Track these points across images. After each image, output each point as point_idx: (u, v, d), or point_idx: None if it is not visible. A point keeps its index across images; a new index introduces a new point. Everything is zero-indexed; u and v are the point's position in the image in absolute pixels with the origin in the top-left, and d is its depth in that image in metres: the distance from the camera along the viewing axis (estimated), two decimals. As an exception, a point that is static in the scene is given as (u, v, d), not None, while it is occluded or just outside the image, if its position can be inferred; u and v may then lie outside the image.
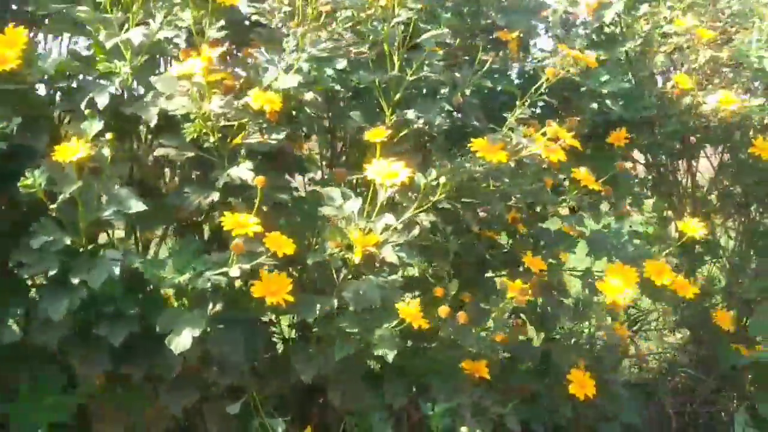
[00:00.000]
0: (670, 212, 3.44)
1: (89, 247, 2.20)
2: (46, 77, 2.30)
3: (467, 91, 2.63)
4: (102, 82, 2.32)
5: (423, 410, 2.31)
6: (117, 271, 2.11)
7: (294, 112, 2.49)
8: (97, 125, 2.17)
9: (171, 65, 2.26)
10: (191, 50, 2.28)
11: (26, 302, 2.23)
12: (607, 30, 3.20)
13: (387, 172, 2.18)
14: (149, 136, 2.47)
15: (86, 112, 2.21)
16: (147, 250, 2.64)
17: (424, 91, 2.71)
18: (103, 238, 2.47)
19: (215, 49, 2.28)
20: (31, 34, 2.47)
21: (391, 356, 2.16)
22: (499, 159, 2.28)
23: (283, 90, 2.28)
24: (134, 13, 2.32)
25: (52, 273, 2.11)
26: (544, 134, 2.36)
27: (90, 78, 2.35)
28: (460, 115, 2.75)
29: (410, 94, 2.58)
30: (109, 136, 2.17)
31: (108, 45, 2.25)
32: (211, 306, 2.17)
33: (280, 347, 2.63)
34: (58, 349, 2.20)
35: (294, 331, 2.61)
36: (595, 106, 2.90)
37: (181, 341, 2.08)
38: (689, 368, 3.38)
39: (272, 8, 2.44)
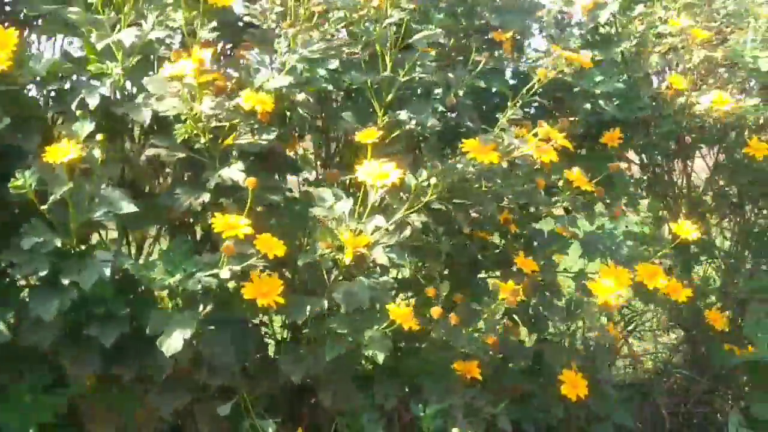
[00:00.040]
0: (665, 212, 3.44)
1: (80, 248, 2.20)
2: (38, 78, 2.29)
3: (460, 92, 2.63)
4: (94, 83, 2.32)
5: (414, 411, 2.30)
6: (108, 272, 2.11)
7: (288, 113, 2.48)
8: (88, 126, 2.17)
9: (164, 66, 2.25)
10: (183, 51, 2.28)
11: (17, 303, 2.22)
12: (602, 30, 3.19)
13: (378, 173, 2.18)
14: (141, 137, 2.46)
15: (78, 113, 2.21)
16: (140, 251, 2.65)
17: (419, 91, 2.71)
18: (96, 238, 2.47)
19: (207, 50, 2.28)
20: (24, 35, 2.47)
21: (381, 357, 2.17)
22: (491, 160, 2.28)
23: (274, 91, 2.28)
24: (126, 14, 2.32)
25: (42, 274, 2.11)
26: (535, 135, 2.35)
27: (83, 79, 2.35)
28: (454, 115, 2.75)
29: (404, 95, 2.58)
30: (100, 137, 2.17)
31: (99, 46, 2.25)
32: (201, 307, 2.17)
33: (272, 348, 2.62)
34: (49, 349, 2.19)
35: (286, 331, 2.60)
36: (588, 106, 2.89)
37: (173, 343, 2.08)
38: (683, 368, 3.38)
39: (264, 9, 2.43)
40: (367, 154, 2.28)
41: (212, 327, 2.23)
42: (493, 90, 2.84)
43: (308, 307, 2.19)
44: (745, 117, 3.00)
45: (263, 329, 2.62)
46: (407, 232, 2.25)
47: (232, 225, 2.11)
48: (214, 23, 2.34)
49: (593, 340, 2.50)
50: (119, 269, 2.20)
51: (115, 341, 2.16)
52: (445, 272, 2.61)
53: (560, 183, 2.68)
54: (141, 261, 2.55)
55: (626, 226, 3.59)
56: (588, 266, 2.79)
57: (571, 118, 2.84)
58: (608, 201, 3.07)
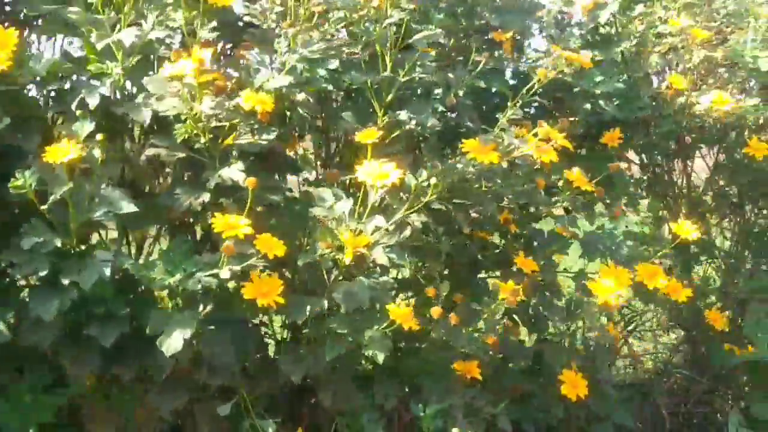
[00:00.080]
0: (665, 212, 3.44)
1: (80, 248, 2.20)
2: (38, 78, 2.29)
3: (460, 92, 2.63)
4: (94, 82, 2.32)
5: (414, 411, 2.30)
6: (107, 272, 2.11)
7: (288, 113, 2.48)
8: (88, 126, 2.17)
9: (164, 66, 2.25)
10: (183, 51, 2.28)
11: (17, 303, 2.22)
12: (602, 30, 3.19)
13: (378, 174, 2.18)
14: (141, 137, 2.46)
15: (78, 113, 2.21)
16: (141, 251, 2.65)
17: (419, 91, 2.71)
18: (96, 238, 2.47)
19: (207, 50, 2.28)
20: (25, 35, 2.47)
21: (381, 357, 2.17)
22: (491, 160, 2.28)
23: (274, 91, 2.28)
24: (126, 14, 2.32)
25: (42, 274, 2.11)
26: (536, 135, 2.35)
27: (83, 79, 2.35)
28: (454, 115, 2.75)
29: (404, 95, 2.58)
30: (100, 137, 2.17)
31: (99, 46, 2.25)
32: (201, 307, 2.17)
33: (272, 348, 2.62)
34: (49, 349, 2.19)
35: (286, 331, 2.60)
36: (588, 106, 2.89)
37: (173, 343, 2.08)
38: (684, 368, 3.38)
39: (264, 9, 2.43)
40: (367, 154, 2.28)
41: (212, 327, 2.23)
42: (493, 90, 2.84)
43: (308, 307, 2.19)
44: (745, 117, 3.00)
45: (263, 329, 2.62)
46: (407, 232, 2.25)
47: (232, 225, 2.11)
48: (214, 23, 2.34)
49: (593, 340, 2.49)
50: (119, 269, 2.21)
51: (114, 341, 2.16)
52: (446, 272, 2.60)
53: (560, 183, 2.68)
54: (141, 261, 2.55)
55: (626, 226, 3.60)
56: (588, 266, 2.78)
57: (572, 118, 2.85)
58: (608, 201, 3.08)
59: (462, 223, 2.43)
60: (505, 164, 2.38)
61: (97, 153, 2.16)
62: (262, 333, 2.59)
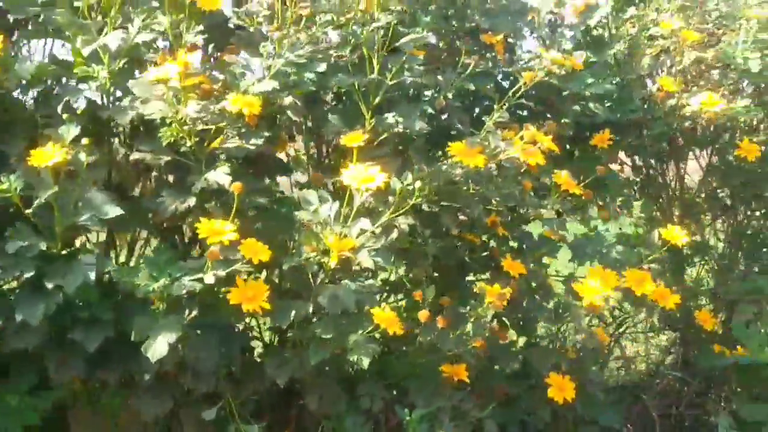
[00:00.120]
0: (658, 214, 3.44)
1: (65, 251, 2.19)
2: (23, 82, 2.29)
3: (450, 95, 2.62)
4: (80, 86, 2.32)
5: (400, 415, 2.30)
6: (92, 276, 2.12)
7: (278, 116, 2.48)
8: (74, 130, 2.17)
9: (150, 69, 2.25)
10: (169, 54, 2.28)
11: (2, 307, 2.21)
12: (594, 33, 3.19)
13: (363, 177, 2.18)
14: (128, 140, 2.46)
15: (64, 116, 2.21)
16: (132, 253, 2.65)
17: (411, 92, 2.71)
18: (83, 242, 2.47)
19: (193, 53, 2.28)
20: (11, 39, 2.47)
21: (366, 362, 2.16)
22: (477, 163, 2.28)
23: (262, 94, 2.27)
24: (112, 18, 2.32)
25: (27, 277, 2.10)
26: (522, 138, 2.35)
27: (71, 82, 2.35)
28: (445, 117, 2.74)
29: (394, 97, 2.57)
30: (85, 141, 2.17)
31: (85, 51, 2.25)
32: (187, 312, 2.16)
33: (260, 350, 2.62)
34: (34, 352, 2.19)
35: (273, 335, 2.60)
36: (577, 108, 2.89)
37: (158, 348, 2.07)
38: (675, 370, 3.37)
39: (251, 12, 2.43)
40: (359, 156, 2.28)
41: (198, 332, 2.22)
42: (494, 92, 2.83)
43: (293, 312, 2.18)
44: (736, 118, 3.00)
45: (251, 331, 2.62)
46: (393, 235, 2.25)
47: (216, 231, 2.11)
48: (201, 27, 2.34)
49: (579, 343, 2.49)
50: (105, 273, 2.20)
51: (99, 345, 2.16)
52: (434, 275, 2.60)
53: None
54: (132, 263, 2.56)
55: (620, 228, 3.59)
56: (578, 269, 2.78)
57: (564, 120, 2.85)
58: (601, 203, 3.08)
59: (449, 226, 2.43)
60: (493, 167, 2.38)
61: (83, 157, 2.16)
62: (250, 336, 2.58)
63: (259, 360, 2.53)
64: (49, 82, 2.37)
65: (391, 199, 2.26)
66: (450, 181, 2.34)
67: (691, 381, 3.27)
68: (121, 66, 2.31)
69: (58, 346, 2.20)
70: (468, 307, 2.38)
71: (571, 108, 2.87)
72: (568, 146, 3.02)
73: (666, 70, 3.17)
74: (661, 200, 3.44)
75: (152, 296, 2.21)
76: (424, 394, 2.38)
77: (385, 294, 2.75)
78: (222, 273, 2.11)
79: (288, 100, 2.36)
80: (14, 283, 2.30)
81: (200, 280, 2.11)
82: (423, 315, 2.29)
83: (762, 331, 3.05)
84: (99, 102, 2.35)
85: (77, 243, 2.41)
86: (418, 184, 2.21)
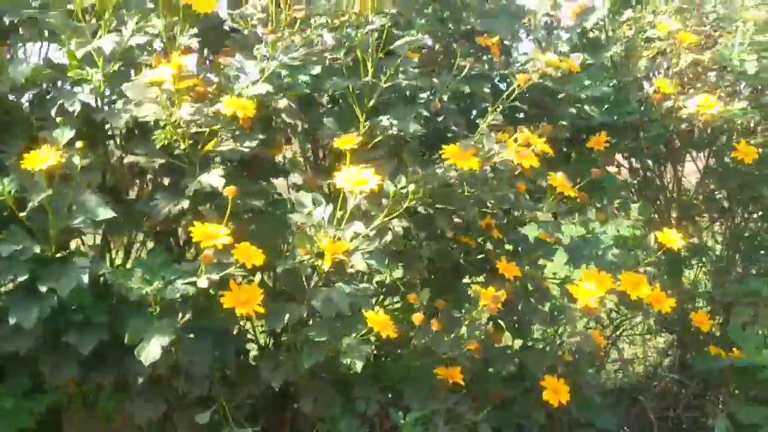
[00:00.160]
0: (656, 216, 3.43)
1: (59, 254, 2.19)
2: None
3: (445, 97, 2.62)
4: (74, 89, 2.32)
5: (394, 419, 2.30)
6: (86, 279, 2.11)
7: (273, 118, 2.48)
8: (68, 133, 2.17)
9: (143, 71, 2.25)
10: (163, 57, 2.28)
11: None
12: (591, 35, 3.19)
13: (356, 180, 2.18)
14: (123, 143, 2.46)
15: (58, 119, 2.21)
16: (128, 255, 2.65)
17: (407, 94, 2.70)
18: (77, 245, 2.47)
19: (187, 55, 2.28)
20: (8, 42, 2.48)
21: (359, 366, 2.15)
22: (471, 165, 2.28)
23: (256, 96, 2.27)
24: (106, 21, 2.32)
25: (21, 280, 2.10)
26: (516, 140, 2.35)
27: (66, 85, 2.35)
28: (441, 119, 2.74)
29: (390, 100, 2.57)
30: (79, 144, 2.16)
31: (79, 54, 2.25)
32: (180, 315, 2.15)
33: (255, 353, 2.62)
34: (27, 355, 2.19)
35: (268, 337, 2.60)
36: (573, 111, 2.88)
37: (151, 351, 2.07)
38: (673, 372, 3.37)
39: (246, 15, 2.43)
40: (352, 158, 2.27)
41: (192, 335, 2.21)
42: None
43: (287, 315, 2.18)
44: (733, 120, 2.99)
45: (246, 334, 2.61)
46: (388, 237, 2.25)
47: (210, 235, 2.10)
48: (195, 30, 2.34)
49: (574, 346, 2.48)
50: (99, 275, 2.20)
51: (93, 348, 2.15)
52: (428, 278, 2.59)
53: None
54: (128, 265, 2.55)
55: (617, 230, 3.59)
56: (574, 272, 2.77)
57: (562, 123, 2.85)
58: (599, 205, 3.08)
59: (444, 228, 2.42)
60: (488, 169, 2.37)
61: (77, 160, 2.16)
62: (245, 339, 2.57)
63: (254, 363, 2.52)
64: (44, 85, 2.36)
65: (385, 201, 2.26)
66: (444, 183, 2.34)
67: (689, 383, 3.26)
68: (116, 69, 2.31)
69: (52, 349, 2.20)
70: (463, 310, 2.37)
71: (567, 110, 2.87)
72: (565, 148, 3.02)
73: (663, 72, 3.17)
74: (658, 202, 3.43)
75: (147, 299, 2.21)
76: (419, 397, 2.38)
77: (381, 297, 2.75)
78: (215, 277, 2.10)
79: (283, 102, 2.36)
80: (8, 286, 2.28)
81: (194, 284, 2.10)
82: (417, 318, 2.28)
83: (759, 333, 3.05)
84: (93, 105, 2.35)
85: (72, 246, 2.40)
86: (411, 186, 2.21)
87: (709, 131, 3.15)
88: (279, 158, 2.73)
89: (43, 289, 2.09)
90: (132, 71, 2.36)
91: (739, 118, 2.98)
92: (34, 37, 2.47)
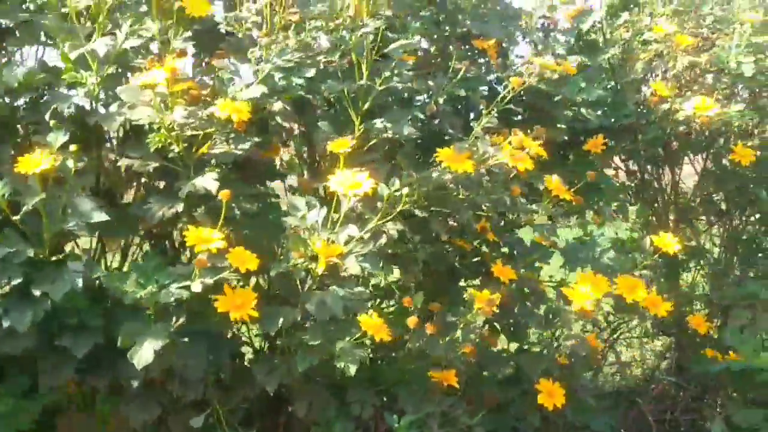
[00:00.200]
0: (653, 219, 3.43)
1: (53, 258, 2.19)
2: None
3: (441, 100, 2.62)
4: (68, 92, 2.32)
5: (388, 422, 2.29)
6: (80, 283, 2.11)
7: (269, 121, 2.48)
8: (62, 137, 2.17)
9: (137, 74, 2.25)
10: (157, 60, 2.28)
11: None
12: (588, 37, 3.18)
13: (350, 183, 2.18)
14: (117, 146, 2.46)
15: (51, 123, 2.20)
16: (125, 258, 2.64)
17: (404, 96, 2.70)
18: (72, 248, 2.47)
19: (181, 58, 2.28)
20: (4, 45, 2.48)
21: (353, 369, 2.15)
22: (465, 168, 2.27)
23: (250, 99, 2.27)
24: (100, 24, 2.32)
25: (15, 284, 2.10)
26: (510, 143, 2.35)
27: (62, 89, 2.35)
28: (437, 122, 2.74)
29: (387, 102, 2.57)
30: (73, 147, 2.16)
31: (72, 56, 2.25)
32: (174, 319, 2.15)
33: (250, 357, 2.61)
34: (25, 357, 2.18)
35: (263, 341, 2.60)
36: (569, 114, 2.88)
37: (144, 355, 2.06)
38: (670, 375, 3.36)
39: (240, 18, 2.43)
40: (348, 161, 2.27)
41: (186, 339, 2.20)
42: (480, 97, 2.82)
43: (281, 319, 2.17)
44: (731, 123, 2.99)
45: (241, 336, 2.61)
46: (382, 240, 2.24)
47: (204, 239, 2.10)
48: (189, 33, 2.34)
49: (569, 349, 2.48)
50: (94, 279, 2.20)
51: (88, 351, 2.15)
52: (423, 281, 2.58)
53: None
54: (125, 268, 2.55)
55: (616, 233, 3.59)
56: (569, 276, 2.77)
57: (559, 126, 2.84)
58: (596, 208, 3.08)
59: (439, 231, 2.42)
60: (484, 172, 2.37)
61: (70, 163, 2.16)
62: (239, 342, 2.57)
63: (248, 366, 2.52)
64: (38, 89, 2.35)
65: (379, 205, 2.25)
66: (439, 186, 2.33)
67: (687, 386, 3.26)
68: (110, 72, 2.31)
69: (47, 352, 2.19)
70: (457, 314, 2.37)
71: (563, 113, 2.86)
72: (562, 151, 3.02)
73: (660, 74, 3.18)
74: (656, 205, 3.43)
75: (141, 303, 2.21)
76: (414, 401, 2.37)
77: (377, 300, 2.74)
78: (209, 281, 2.10)
79: (277, 105, 2.36)
80: (4, 289, 2.28)
81: (188, 288, 2.09)
82: (412, 321, 2.28)
83: (758, 335, 3.05)
84: (88, 108, 2.34)
85: (68, 249, 2.40)
86: (405, 190, 2.21)
87: (706, 134, 3.15)
88: (276, 161, 2.73)
89: (37, 292, 2.08)
90: (129, 74, 2.35)
91: (737, 121, 2.98)
92: (31, 40, 2.46)
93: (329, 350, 2.18)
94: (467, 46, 2.92)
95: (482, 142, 2.35)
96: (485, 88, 2.90)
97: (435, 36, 2.86)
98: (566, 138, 2.88)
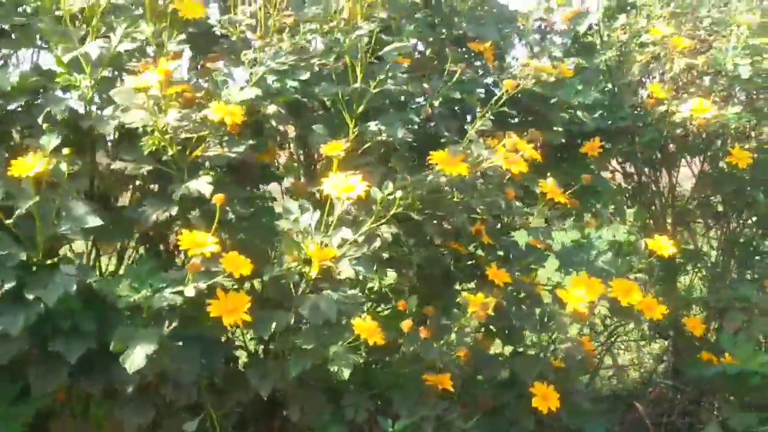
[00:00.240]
0: (651, 222, 3.43)
1: (48, 261, 2.18)
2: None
3: (436, 102, 2.62)
4: (62, 95, 2.32)
5: (383, 426, 2.29)
6: (73, 287, 2.10)
7: (265, 124, 2.47)
8: (54, 140, 2.16)
9: (130, 77, 2.25)
10: (151, 62, 2.28)
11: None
12: (585, 40, 3.18)
13: (343, 186, 2.17)
14: (111, 149, 2.45)
15: (44, 126, 2.20)
16: (121, 261, 2.64)
17: (401, 99, 2.70)
18: (67, 251, 2.46)
19: (175, 61, 2.27)
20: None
21: (346, 373, 2.14)
22: (459, 171, 2.27)
23: (244, 102, 2.26)
24: (94, 27, 2.31)
25: (8, 287, 2.09)
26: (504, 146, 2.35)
27: (58, 92, 2.35)
28: (433, 125, 2.73)
29: (382, 105, 2.56)
30: (66, 150, 2.15)
31: (66, 59, 2.25)
32: (167, 323, 2.14)
33: (245, 361, 2.61)
34: (15, 362, 2.18)
35: (258, 344, 2.59)
36: (565, 116, 2.88)
37: (135, 359, 2.05)
38: (668, 378, 3.36)
39: (234, 21, 2.43)
40: (343, 163, 2.27)
41: (179, 343, 2.19)
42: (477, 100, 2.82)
43: (274, 323, 2.17)
44: (728, 125, 2.98)
45: (235, 340, 2.60)
46: (376, 244, 2.24)
47: (198, 243, 2.09)
48: (183, 36, 2.33)
49: (564, 352, 2.47)
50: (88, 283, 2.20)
51: (81, 355, 2.14)
52: (418, 284, 2.58)
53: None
54: (121, 271, 2.55)
55: (613, 236, 3.59)
56: (565, 279, 2.76)
57: (555, 128, 2.84)
58: (594, 210, 3.07)
59: (433, 234, 2.41)
60: (478, 174, 2.37)
61: (64, 167, 2.15)
62: (234, 346, 2.56)
63: (242, 370, 2.51)
64: (33, 92, 2.35)
65: (373, 208, 2.25)
66: (433, 189, 2.33)
67: (684, 389, 3.25)
68: (104, 75, 2.31)
69: (40, 356, 2.18)
70: (451, 318, 2.36)
71: (559, 116, 2.86)
72: (559, 154, 3.01)
73: (657, 76, 3.18)
74: (653, 208, 3.42)
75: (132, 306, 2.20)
76: (408, 404, 2.36)
77: (372, 304, 2.74)
78: (203, 285, 2.09)
79: (272, 108, 2.35)
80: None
81: (181, 293, 2.09)
82: (406, 325, 2.27)
83: (754, 338, 3.04)
84: (82, 111, 2.34)
85: (64, 251, 2.40)
86: (399, 193, 2.20)
87: (703, 136, 3.14)
88: (275, 164, 2.73)
89: (30, 296, 2.07)
90: (125, 76, 2.35)
91: (734, 123, 2.97)
92: (26, 43, 2.46)
93: (323, 354, 2.18)
94: (463, 49, 2.91)
95: (476, 144, 2.34)
96: (482, 90, 2.89)
97: (431, 39, 2.85)
98: (563, 140, 2.88)
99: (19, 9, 2.43)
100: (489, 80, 2.96)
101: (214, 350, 2.30)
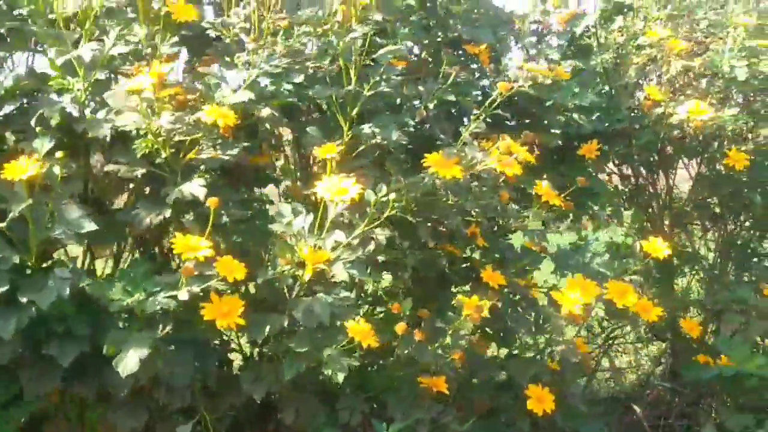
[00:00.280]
0: (648, 224, 3.42)
1: (41, 265, 2.18)
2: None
3: (431, 105, 2.61)
4: (56, 99, 2.31)
5: (377, 429, 2.28)
6: (67, 291, 2.10)
7: (259, 127, 2.47)
8: (47, 143, 2.16)
9: (123, 80, 2.25)
10: (144, 65, 2.27)
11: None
12: (581, 42, 3.18)
13: (337, 189, 2.16)
14: (105, 152, 2.45)
15: (37, 129, 2.20)
16: (118, 263, 2.63)
17: (396, 102, 2.69)
18: (61, 255, 2.46)
19: (168, 64, 2.27)
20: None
21: (341, 376, 2.13)
22: (453, 174, 2.26)
23: (237, 105, 2.26)
24: (87, 30, 2.31)
25: (1, 291, 2.09)
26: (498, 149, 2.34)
27: (52, 95, 2.35)
28: (428, 127, 2.73)
29: (377, 108, 2.56)
30: (59, 154, 2.15)
31: (59, 62, 2.25)
32: (161, 327, 2.13)
33: (239, 364, 2.60)
34: (8, 363, 2.17)
35: (252, 347, 2.58)
36: (562, 119, 2.88)
37: (128, 363, 2.04)
38: (665, 380, 3.35)
39: (227, 24, 2.43)
40: (337, 167, 2.26)
41: (172, 347, 2.19)
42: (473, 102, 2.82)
43: (268, 326, 2.16)
44: (725, 127, 2.98)
45: (230, 343, 2.60)
46: (371, 247, 2.23)
47: (192, 247, 2.09)
48: (176, 38, 2.33)
49: (558, 354, 2.46)
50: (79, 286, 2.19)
51: (74, 359, 2.14)
52: (413, 287, 2.58)
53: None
54: (117, 274, 2.54)
55: (611, 238, 3.58)
56: (561, 281, 2.76)
57: (552, 131, 2.84)
58: (591, 212, 3.07)
59: (426, 237, 2.41)
60: (475, 177, 2.37)
61: (57, 170, 2.15)
62: (228, 349, 2.56)
63: (236, 373, 2.51)
64: (27, 95, 2.35)
65: (368, 210, 2.24)
66: (428, 192, 2.32)
67: (682, 391, 3.24)
68: (98, 78, 2.30)
69: (33, 360, 2.18)
70: (446, 320, 2.36)
71: (556, 118, 2.86)
72: (556, 156, 3.01)
73: (654, 78, 3.17)
74: (651, 210, 3.42)
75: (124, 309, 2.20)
76: (403, 407, 2.35)
77: (368, 307, 2.74)
78: (196, 289, 2.08)
79: (266, 111, 2.35)
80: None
81: (175, 297, 2.08)
82: (400, 327, 2.26)
83: (751, 340, 3.04)
84: (75, 114, 2.33)
85: (58, 255, 2.39)
86: (392, 195, 2.20)
87: (700, 138, 3.13)
88: (263, 165, 2.72)
89: (23, 299, 2.07)
90: (120, 79, 2.35)
91: (731, 125, 2.97)
92: (21, 46, 2.46)
93: (317, 357, 2.17)
94: (459, 51, 2.91)
95: (470, 147, 2.34)
96: (478, 93, 2.88)
97: (426, 41, 2.85)
98: (560, 143, 2.88)
99: (14, 12, 2.42)
100: (485, 83, 2.96)
101: (207, 353, 2.30)
